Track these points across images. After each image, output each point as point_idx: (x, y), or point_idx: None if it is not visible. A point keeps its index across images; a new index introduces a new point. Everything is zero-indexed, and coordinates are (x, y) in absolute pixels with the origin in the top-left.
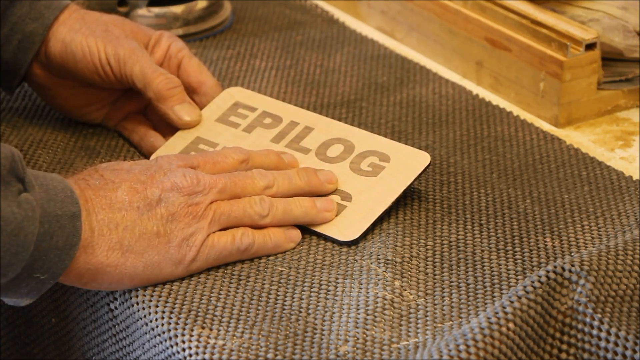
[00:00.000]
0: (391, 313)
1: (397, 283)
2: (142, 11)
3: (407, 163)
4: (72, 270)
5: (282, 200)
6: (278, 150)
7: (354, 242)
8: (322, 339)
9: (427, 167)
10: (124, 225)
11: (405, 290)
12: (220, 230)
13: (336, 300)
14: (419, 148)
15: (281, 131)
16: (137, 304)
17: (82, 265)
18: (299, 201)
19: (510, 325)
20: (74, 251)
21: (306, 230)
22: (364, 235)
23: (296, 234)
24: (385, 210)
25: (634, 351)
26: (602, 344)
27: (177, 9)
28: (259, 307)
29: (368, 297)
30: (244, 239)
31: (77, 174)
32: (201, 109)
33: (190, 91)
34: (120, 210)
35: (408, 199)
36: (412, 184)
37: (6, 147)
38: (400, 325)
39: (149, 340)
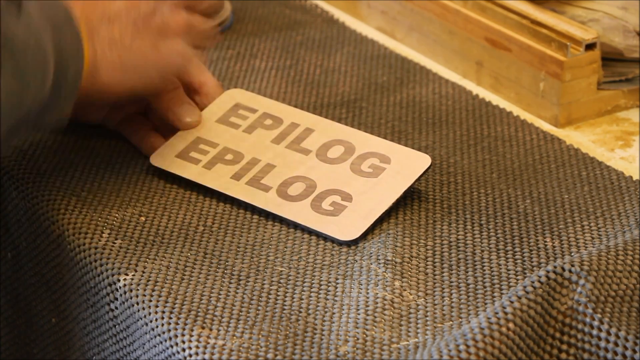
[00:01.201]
0: (391, 313)
1: (397, 283)
2: None
3: (408, 165)
4: (80, 93)
5: None
6: None
7: (354, 242)
8: (322, 339)
9: (428, 169)
10: (122, 43)
11: (405, 290)
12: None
13: (336, 301)
14: (419, 148)
15: (282, 132)
16: (137, 304)
17: (89, 85)
18: None
19: (510, 325)
20: (81, 53)
21: (306, 230)
22: (364, 236)
23: None
24: (386, 211)
25: (634, 351)
26: (602, 344)
27: None
28: (259, 307)
29: (368, 298)
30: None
31: None
32: (202, 109)
33: (192, 91)
34: (119, 22)
35: (408, 199)
36: (412, 185)
37: None
38: (400, 325)
39: (149, 340)
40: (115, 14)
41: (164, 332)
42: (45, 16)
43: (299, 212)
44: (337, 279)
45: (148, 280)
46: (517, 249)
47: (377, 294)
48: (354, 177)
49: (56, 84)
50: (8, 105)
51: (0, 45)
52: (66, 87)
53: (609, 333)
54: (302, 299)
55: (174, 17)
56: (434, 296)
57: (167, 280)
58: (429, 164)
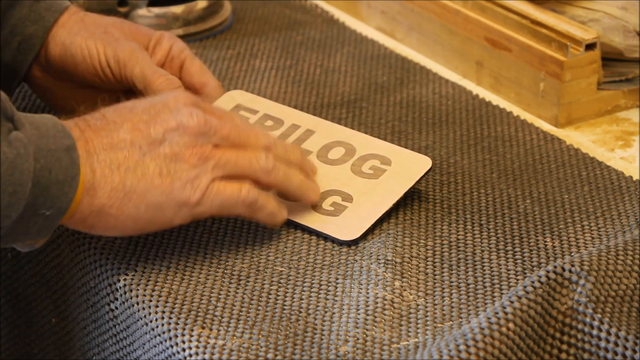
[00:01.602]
0: (391, 313)
1: (397, 283)
2: (142, 11)
3: (409, 167)
4: (76, 212)
5: (282, 164)
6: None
7: (354, 242)
8: (322, 339)
9: (428, 171)
10: (126, 166)
11: (405, 290)
12: (224, 178)
13: (336, 301)
14: (419, 148)
15: (282, 133)
16: (137, 304)
17: (86, 207)
18: (296, 171)
19: (510, 325)
20: (75, 182)
21: (306, 230)
22: (364, 236)
23: (285, 213)
24: (386, 212)
25: (634, 351)
26: (602, 344)
27: (177, 9)
28: (259, 307)
29: (368, 298)
30: (251, 192)
31: (80, 116)
32: None
33: (193, 92)
34: (122, 150)
35: (408, 199)
36: (413, 187)
37: None
38: (400, 325)
39: (149, 340)
40: (120, 140)
41: (164, 332)
42: (39, 140)
43: (300, 212)
44: (337, 279)
45: (148, 280)
46: (517, 249)
47: (377, 294)
48: (355, 178)
49: (33, 204)
50: None
51: None
52: (47, 207)
53: (609, 333)
54: (302, 299)
55: (188, 147)
56: (434, 296)
57: (167, 280)
58: (430, 166)
